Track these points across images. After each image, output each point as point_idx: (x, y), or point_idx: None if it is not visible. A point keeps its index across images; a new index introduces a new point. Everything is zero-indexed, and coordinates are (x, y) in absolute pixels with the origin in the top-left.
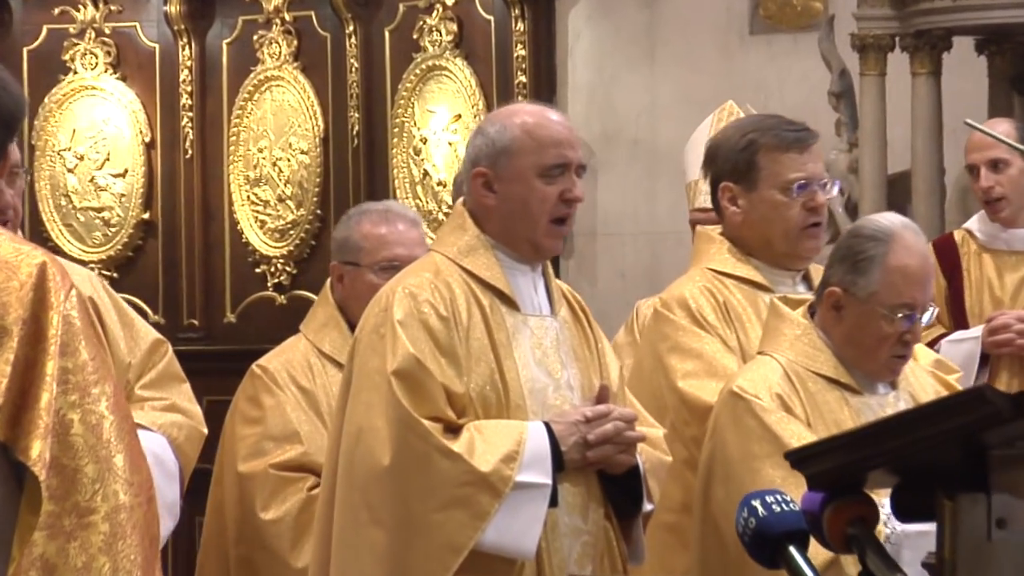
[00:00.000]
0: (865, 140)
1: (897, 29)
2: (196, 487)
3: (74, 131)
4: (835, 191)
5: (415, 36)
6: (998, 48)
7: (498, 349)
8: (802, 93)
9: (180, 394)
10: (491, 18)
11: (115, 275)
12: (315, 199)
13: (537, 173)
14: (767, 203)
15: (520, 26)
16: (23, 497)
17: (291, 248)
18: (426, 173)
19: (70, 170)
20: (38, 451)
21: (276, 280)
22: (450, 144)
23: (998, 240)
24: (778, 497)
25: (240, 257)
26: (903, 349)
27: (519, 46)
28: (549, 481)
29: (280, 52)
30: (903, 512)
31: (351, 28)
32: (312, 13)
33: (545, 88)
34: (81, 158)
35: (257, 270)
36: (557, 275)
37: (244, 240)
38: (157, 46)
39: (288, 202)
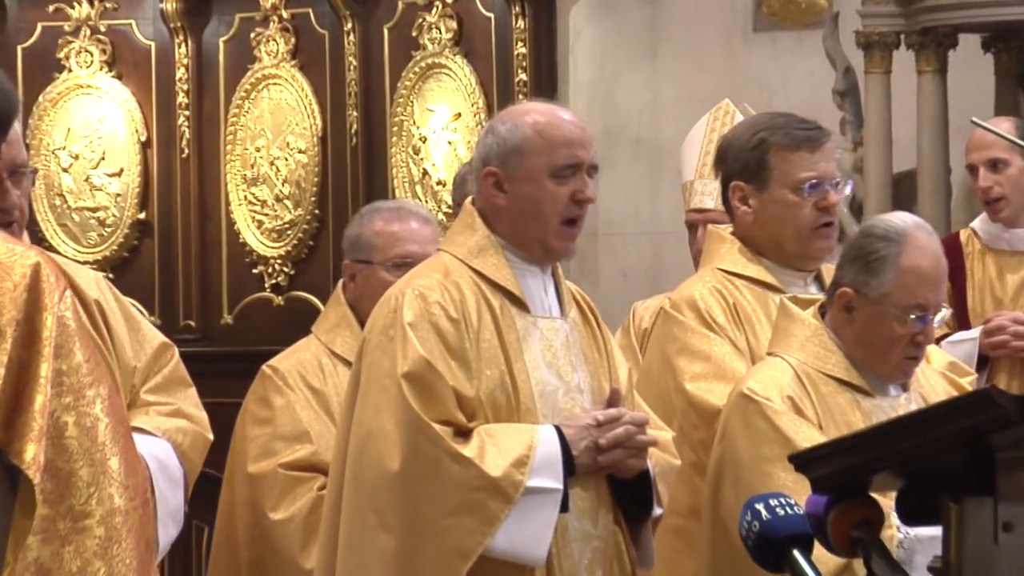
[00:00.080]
0: (870, 139)
1: (902, 26)
2: (195, 490)
3: (69, 130)
4: (848, 190)
5: (414, 34)
6: (1005, 46)
7: (508, 351)
8: (806, 91)
9: (186, 399)
10: (491, 15)
11: (110, 276)
12: (313, 199)
13: (549, 173)
14: (778, 203)
15: (520, 23)
16: (17, 501)
17: (289, 248)
18: (425, 172)
19: (65, 169)
20: (32, 454)
21: (274, 281)
22: (450, 143)
23: (1000, 240)
24: (782, 500)
25: (237, 257)
26: (915, 350)
27: (519, 44)
28: (560, 486)
29: (277, 50)
30: (908, 516)
31: (349, 26)
32: (310, 10)
33: (546, 86)
34: (76, 157)
35: (254, 271)
36: None
37: (241, 240)
38: (153, 44)
39: (286, 202)
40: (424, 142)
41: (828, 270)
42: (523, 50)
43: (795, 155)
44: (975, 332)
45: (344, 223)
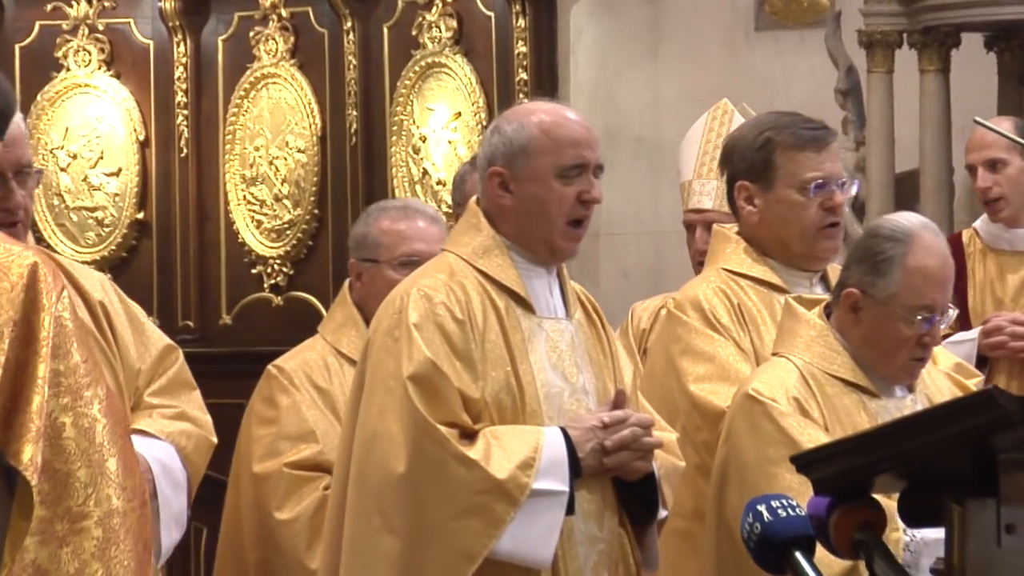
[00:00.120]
0: (872, 138)
1: (905, 25)
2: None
3: (67, 129)
4: (854, 190)
5: (414, 32)
6: (1007, 45)
7: (514, 352)
8: (808, 90)
9: (190, 402)
10: (491, 14)
11: (108, 276)
12: (312, 199)
13: (555, 174)
14: (784, 203)
15: (521, 22)
16: (14, 502)
17: (288, 248)
18: (425, 172)
19: (63, 169)
20: (30, 455)
21: (273, 281)
22: (450, 142)
23: (1001, 240)
24: (784, 502)
25: (236, 258)
26: (922, 352)
27: (520, 43)
28: (566, 488)
29: (277, 49)
30: (911, 517)
31: (349, 24)
32: (309, 9)
33: (547, 85)
34: (74, 157)
35: (253, 271)
36: None
37: (240, 240)
38: (151, 43)
39: (285, 201)
40: (424, 141)
41: (834, 270)
42: (523, 49)
43: (801, 155)
44: (975, 333)
45: (344, 223)
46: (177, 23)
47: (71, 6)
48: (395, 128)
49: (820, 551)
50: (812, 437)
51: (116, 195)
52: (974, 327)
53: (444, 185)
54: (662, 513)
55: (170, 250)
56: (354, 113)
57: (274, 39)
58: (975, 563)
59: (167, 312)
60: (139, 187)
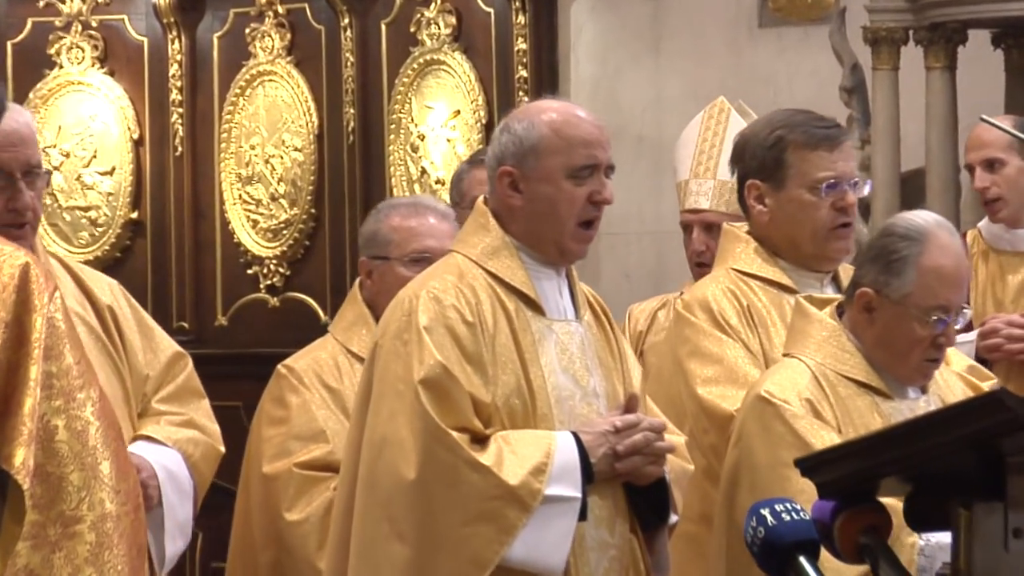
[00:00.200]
0: (878, 136)
1: (911, 22)
2: None
3: (60, 127)
4: (866, 190)
5: (412, 29)
6: (1015, 41)
7: (524, 355)
8: (812, 88)
9: (198, 410)
10: (491, 11)
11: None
12: (309, 198)
13: (566, 174)
14: (795, 202)
15: (521, 19)
16: (6, 506)
17: (284, 248)
18: (424, 171)
19: (56, 168)
20: (22, 458)
21: (269, 282)
22: (448, 141)
23: (1002, 241)
24: (788, 505)
25: (231, 258)
26: (936, 352)
27: (520, 40)
28: (579, 494)
29: (273, 46)
30: (917, 521)
31: (346, 21)
32: (306, 6)
33: (547, 83)
34: (67, 155)
35: (249, 271)
36: None
37: (236, 240)
38: (145, 40)
39: (281, 201)
40: (422, 140)
41: (845, 270)
42: (523, 46)
43: (813, 154)
44: (974, 334)
45: (341, 223)
46: (172, 20)
47: (64, 2)
48: (393, 126)
49: (825, 555)
50: (825, 439)
51: (110, 194)
52: (975, 328)
53: (443, 184)
54: (673, 518)
55: (165, 250)
56: (351, 111)
57: (270, 36)
58: (982, 568)
59: (162, 313)
60: (133, 186)
